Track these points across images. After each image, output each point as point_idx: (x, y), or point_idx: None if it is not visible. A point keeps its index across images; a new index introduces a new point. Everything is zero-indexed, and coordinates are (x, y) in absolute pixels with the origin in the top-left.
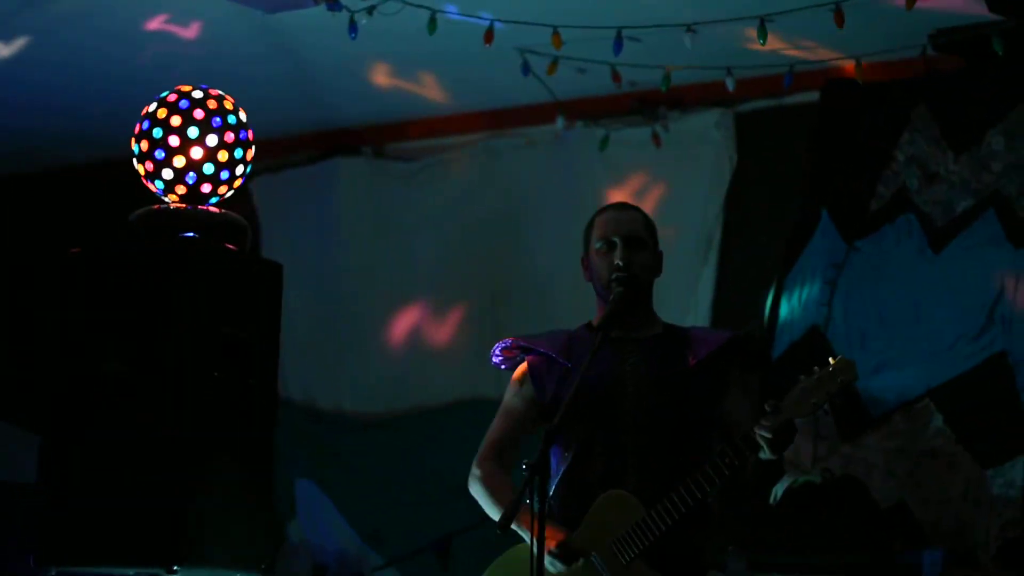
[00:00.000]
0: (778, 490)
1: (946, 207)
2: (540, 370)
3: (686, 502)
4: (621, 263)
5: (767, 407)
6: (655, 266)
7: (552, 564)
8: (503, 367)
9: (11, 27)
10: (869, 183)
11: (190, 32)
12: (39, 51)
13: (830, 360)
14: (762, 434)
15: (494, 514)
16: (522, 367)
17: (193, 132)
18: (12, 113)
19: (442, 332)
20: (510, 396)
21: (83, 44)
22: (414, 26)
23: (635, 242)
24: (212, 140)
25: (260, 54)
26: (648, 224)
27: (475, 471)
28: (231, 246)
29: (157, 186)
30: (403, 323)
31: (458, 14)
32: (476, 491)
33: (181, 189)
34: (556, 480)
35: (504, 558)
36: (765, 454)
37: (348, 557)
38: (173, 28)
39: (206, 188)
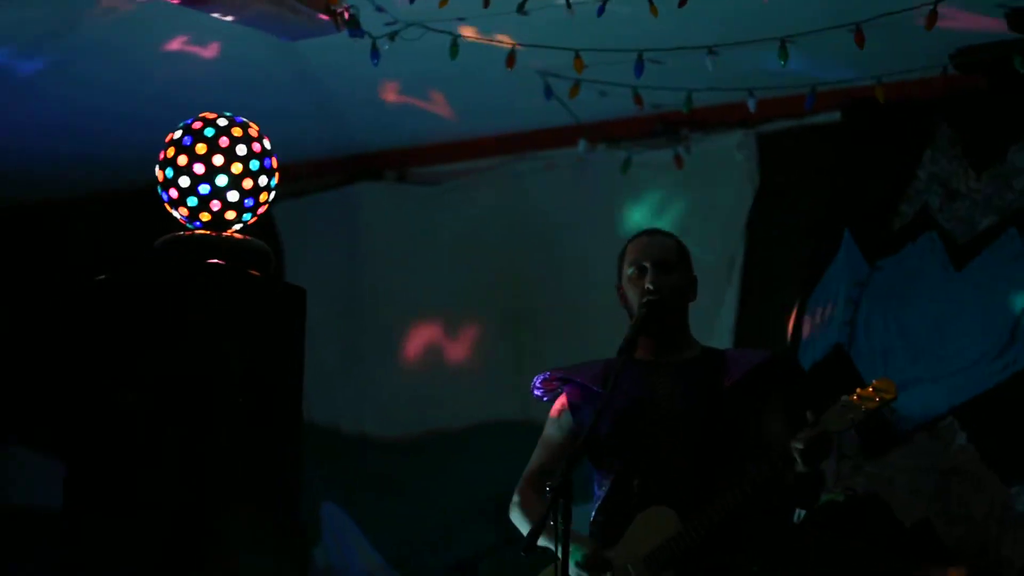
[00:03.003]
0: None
1: (968, 225)
2: (578, 400)
3: (721, 515)
4: (651, 286)
5: (808, 417)
6: (687, 290)
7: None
8: (544, 399)
9: (32, 54)
10: (891, 202)
11: (212, 59)
12: (60, 77)
13: (874, 380)
14: (796, 445)
15: None
16: (561, 399)
17: (217, 159)
18: (33, 138)
19: (465, 356)
20: (549, 428)
21: (103, 70)
22: (436, 51)
23: (665, 266)
24: (236, 167)
25: (283, 80)
26: (680, 249)
27: (514, 498)
28: (255, 272)
29: (181, 213)
30: (426, 347)
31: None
32: (514, 517)
33: (204, 216)
34: (596, 505)
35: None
36: (799, 467)
37: None
38: (195, 54)
39: (230, 215)
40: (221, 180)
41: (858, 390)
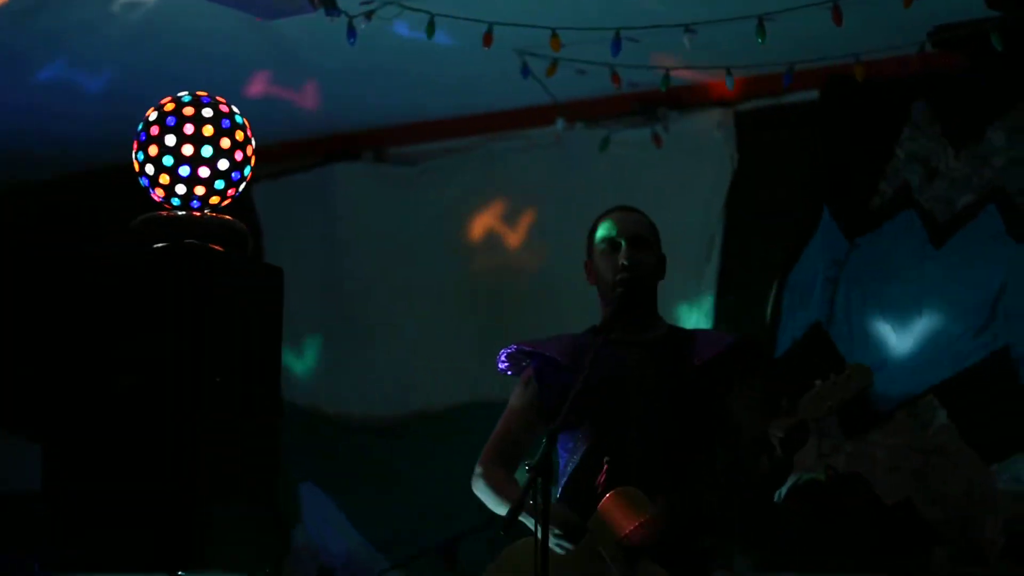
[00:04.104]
0: (782, 489)
1: (947, 203)
2: (544, 374)
3: (695, 499)
4: (627, 262)
5: (784, 404)
6: (659, 268)
7: (559, 545)
8: (509, 373)
9: (15, 34)
10: (870, 180)
11: (188, 38)
12: (38, 54)
13: (846, 365)
14: (776, 433)
15: (498, 509)
16: (528, 371)
17: (193, 138)
18: (11, 118)
19: (445, 335)
20: (514, 400)
21: (81, 47)
22: (412, 29)
23: (640, 242)
24: (212, 146)
25: (259, 59)
26: (652, 227)
27: (476, 470)
28: (233, 252)
29: (157, 192)
30: (406, 326)
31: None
32: (478, 489)
33: (181, 195)
34: (563, 482)
35: (507, 552)
36: (778, 453)
37: (354, 561)
38: (171, 34)
39: (207, 194)
40: (197, 159)
41: (833, 376)
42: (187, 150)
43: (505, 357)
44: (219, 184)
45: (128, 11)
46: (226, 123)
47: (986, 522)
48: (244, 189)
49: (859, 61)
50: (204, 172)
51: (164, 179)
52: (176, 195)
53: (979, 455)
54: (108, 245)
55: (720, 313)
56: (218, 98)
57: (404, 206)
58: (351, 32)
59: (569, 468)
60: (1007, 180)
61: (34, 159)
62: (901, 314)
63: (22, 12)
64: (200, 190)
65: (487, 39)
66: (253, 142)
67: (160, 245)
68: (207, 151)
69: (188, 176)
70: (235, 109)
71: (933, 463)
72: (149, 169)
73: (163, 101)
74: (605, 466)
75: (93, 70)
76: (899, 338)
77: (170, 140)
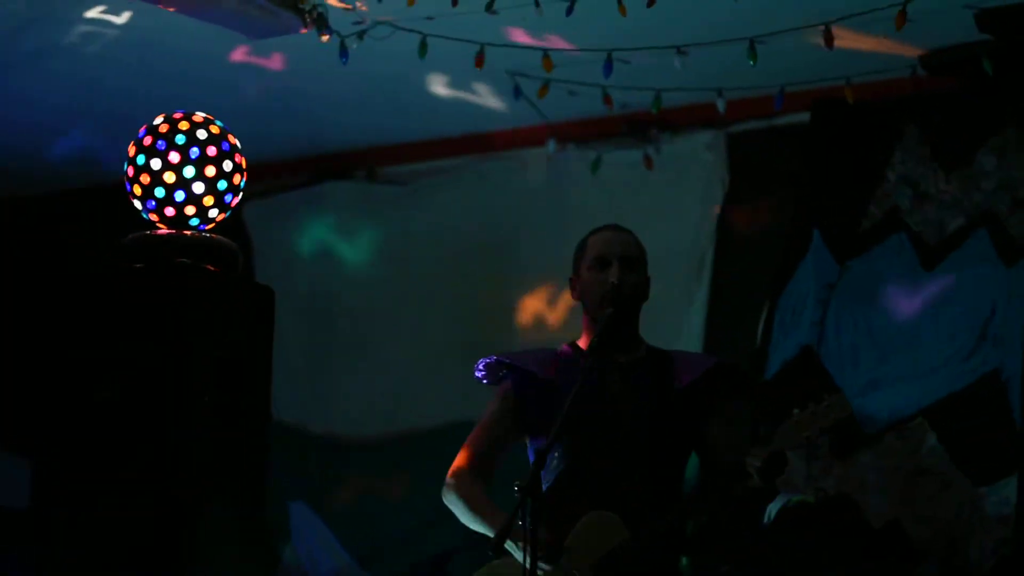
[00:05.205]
0: (772, 510)
1: (937, 226)
2: (522, 387)
3: (671, 528)
4: (616, 281)
5: (761, 433)
6: (644, 290)
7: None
8: (485, 382)
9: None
10: (860, 203)
11: (178, 57)
12: (30, 75)
13: (824, 395)
14: (752, 463)
15: (469, 521)
16: (506, 384)
17: (185, 158)
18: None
19: (434, 354)
20: (490, 412)
21: (73, 68)
22: (405, 50)
23: (629, 262)
24: (204, 166)
25: (251, 78)
26: (640, 248)
27: (448, 480)
28: (224, 271)
29: (148, 212)
30: (396, 345)
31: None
32: (449, 500)
33: (172, 214)
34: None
35: (486, 570)
36: (755, 482)
37: None
38: (161, 54)
39: (197, 213)
40: (188, 178)
41: (811, 405)
42: (166, 167)
43: (483, 366)
44: (207, 200)
45: (119, 31)
46: (212, 144)
47: (974, 545)
48: (235, 207)
49: (850, 84)
50: (193, 190)
51: (152, 197)
52: (164, 213)
53: (968, 478)
54: (100, 264)
55: (710, 335)
56: (206, 116)
57: (395, 226)
58: (343, 52)
59: (546, 489)
60: (997, 203)
61: (21, 177)
62: (891, 337)
63: (9, 31)
64: (188, 207)
65: (479, 60)
66: (244, 160)
67: (151, 265)
68: (194, 169)
69: (174, 194)
70: (224, 127)
71: (922, 485)
72: (139, 187)
73: (156, 121)
74: (584, 487)
75: (81, 90)
76: (889, 361)
77: (157, 159)
